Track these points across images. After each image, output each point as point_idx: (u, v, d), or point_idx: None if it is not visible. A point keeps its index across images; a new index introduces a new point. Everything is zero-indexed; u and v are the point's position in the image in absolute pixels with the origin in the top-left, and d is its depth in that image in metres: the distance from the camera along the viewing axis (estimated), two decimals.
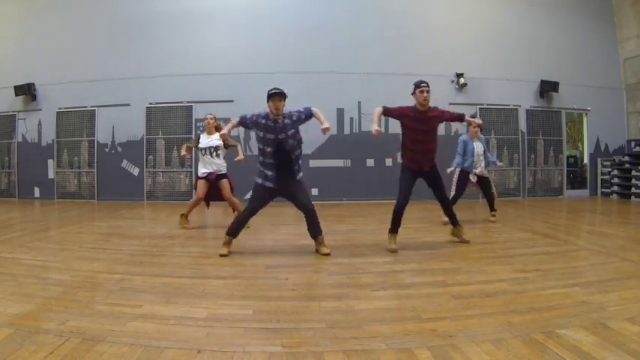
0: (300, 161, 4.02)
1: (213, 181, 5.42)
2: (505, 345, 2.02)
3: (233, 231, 4.07)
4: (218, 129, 5.43)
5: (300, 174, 4.03)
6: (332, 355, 1.94)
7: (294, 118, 3.90)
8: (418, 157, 4.11)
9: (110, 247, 4.34)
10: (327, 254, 3.97)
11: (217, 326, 2.29)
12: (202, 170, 5.45)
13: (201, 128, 5.56)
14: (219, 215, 7.01)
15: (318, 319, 2.38)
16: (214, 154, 5.40)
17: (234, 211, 5.58)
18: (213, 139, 5.41)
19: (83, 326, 2.23)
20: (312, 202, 4.07)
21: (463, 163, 5.84)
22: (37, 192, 9.69)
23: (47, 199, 9.48)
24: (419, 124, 4.04)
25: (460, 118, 4.35)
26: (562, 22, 10.01)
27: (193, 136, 9.12)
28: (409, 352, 1.96)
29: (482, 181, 6.04)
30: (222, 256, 3.93)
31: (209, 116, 5.51)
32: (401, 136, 4.23)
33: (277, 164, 3.87)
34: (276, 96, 3.77)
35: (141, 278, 3.19)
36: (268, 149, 3.86)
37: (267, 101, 3.82)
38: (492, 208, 6.11)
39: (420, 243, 4.58)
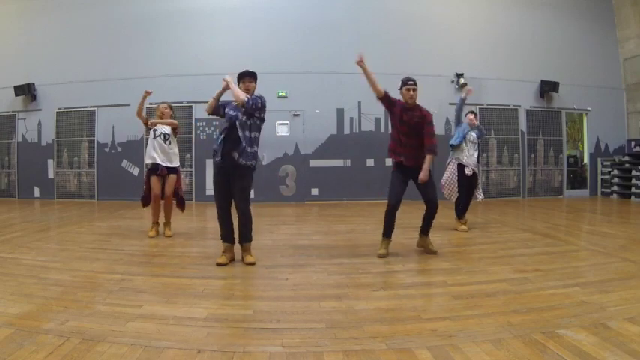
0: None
1: (164, 176, 4.99)
2: (505, 345, 2.02)
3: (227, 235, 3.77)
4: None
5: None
6: (332, 355, 1.94)
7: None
8: (400, 149, 3.98)
9: (110, 247, 4.34)
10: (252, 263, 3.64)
11: (217, 326, 2.29)
12: (152, 156, 4.97)
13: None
14: None
15: (318, 319, 2.38)
16: (167, 141, 5.03)
17: (166, 221, 5.04)
18: (165, 127, 5.11)
19: (83, 326, 2.23)
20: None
21: (457, 138, 5.36)
22: (37, 192, 9.68)
23: (47, 199, 9.47)
24: (407, 117, 3.93)
25: (430, 145, 3.92)
26: (562, 22, 10.01)
27: (193, 136, 9.21)
28: (409, 352, 1.96)
29: (470, 179, 5.29)
30: (219, 264, 3.57)
31: (163, 106, 5.28)
32: (390, 130, 4.13)
33: None
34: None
35: (141, 278, 3.19)
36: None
37: (240, 82, 3.73)
38: (464, 213, 5.38)
39: None
